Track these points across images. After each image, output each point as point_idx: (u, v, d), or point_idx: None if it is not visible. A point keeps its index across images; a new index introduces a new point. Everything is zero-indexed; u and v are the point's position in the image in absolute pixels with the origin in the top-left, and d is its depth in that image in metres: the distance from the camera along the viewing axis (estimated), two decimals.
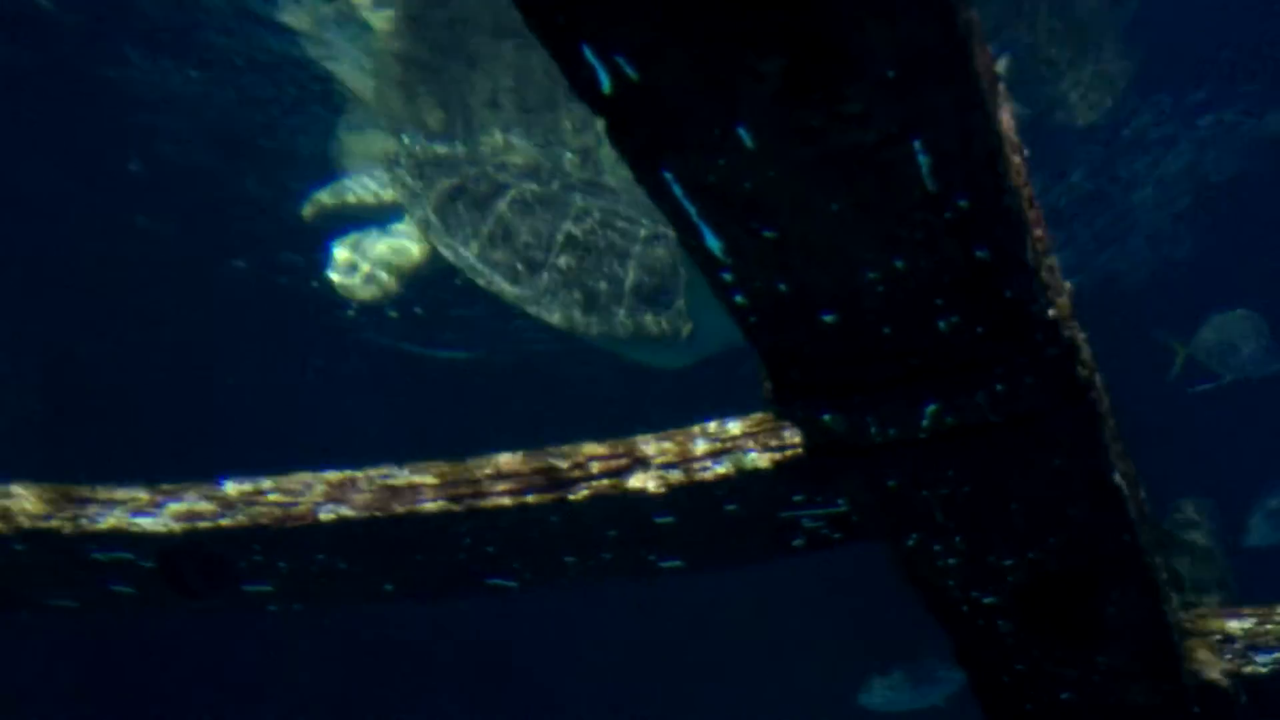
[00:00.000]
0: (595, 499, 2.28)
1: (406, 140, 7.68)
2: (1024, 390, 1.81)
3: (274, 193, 8.59)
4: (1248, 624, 3.21)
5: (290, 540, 2.13)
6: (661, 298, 6.80)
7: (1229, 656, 3.19)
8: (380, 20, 6.95)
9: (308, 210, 7.92)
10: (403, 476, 2.21)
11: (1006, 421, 1.86)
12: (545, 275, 6.96)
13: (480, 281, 7.15)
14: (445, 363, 10.10)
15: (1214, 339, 7.29)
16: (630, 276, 6.85)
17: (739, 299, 1.58)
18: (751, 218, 1.46)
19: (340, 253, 7.52)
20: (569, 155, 7.49)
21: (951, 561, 2.23)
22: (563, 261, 6.95)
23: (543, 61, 6.24)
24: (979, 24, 1.49)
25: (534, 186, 7.22)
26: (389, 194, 7.64)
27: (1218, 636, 3.24)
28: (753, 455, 2.29)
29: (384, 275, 7.44)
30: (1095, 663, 2.63)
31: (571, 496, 2.27)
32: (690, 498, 2.32)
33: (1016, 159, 1.77)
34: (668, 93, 1.28)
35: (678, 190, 1.40)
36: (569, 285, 6.91)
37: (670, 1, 1.18)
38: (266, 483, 2.17)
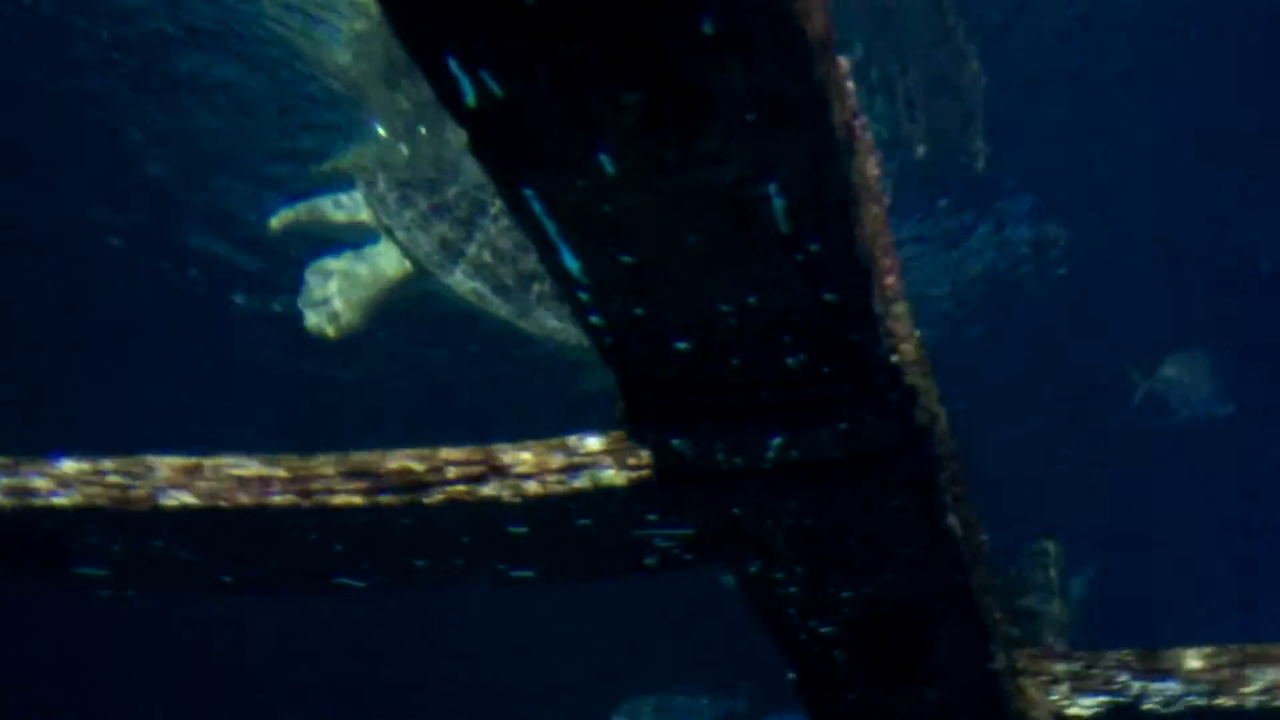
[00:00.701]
0: (449, 504, 2.27)
1: (380, 151, 7.45)
2: (866, 430, 1.88)
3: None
4: (1076, 667, 3.38)
5: (127, 524, 2.07)
6: None
7: (1055, 697, 3.35)
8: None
9: (275, 223, 7.62)
10: (252, 467, 2.17)
11: (848, 459, 1.93)
12: (534, 289, 6.88)
13: (472, 299, 7.05)
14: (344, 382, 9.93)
15: (1173, 376, 7.57)
16: None
17: (595, 319, 1.61)
18: (610, 242, 1.49)
19: (314, 287, 7.14)
20: None
21: (792, 590, 2.30)
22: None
23: None
24: (841, 77, 1.55)
25: None
26: (363, 214, 7.37)
27: (1047, 677, 3.40)
28: (609, 472, 2.31)
29: (354, 315, 7.09)
30: (925, 697, 2.73)
31: (426, 500, 2.26)
32: (545, 510, 2.33)
33: (874, 209, 1.85)
34: (531, 111, 1.30)
35: (538, 207, 1.42)
36: (560, 297, 6.84)
37: (535, 24, 1.21)
38: (108, 463, 2.11)
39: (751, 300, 1.61)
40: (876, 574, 2.28)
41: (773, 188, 1.46)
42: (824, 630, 2.43)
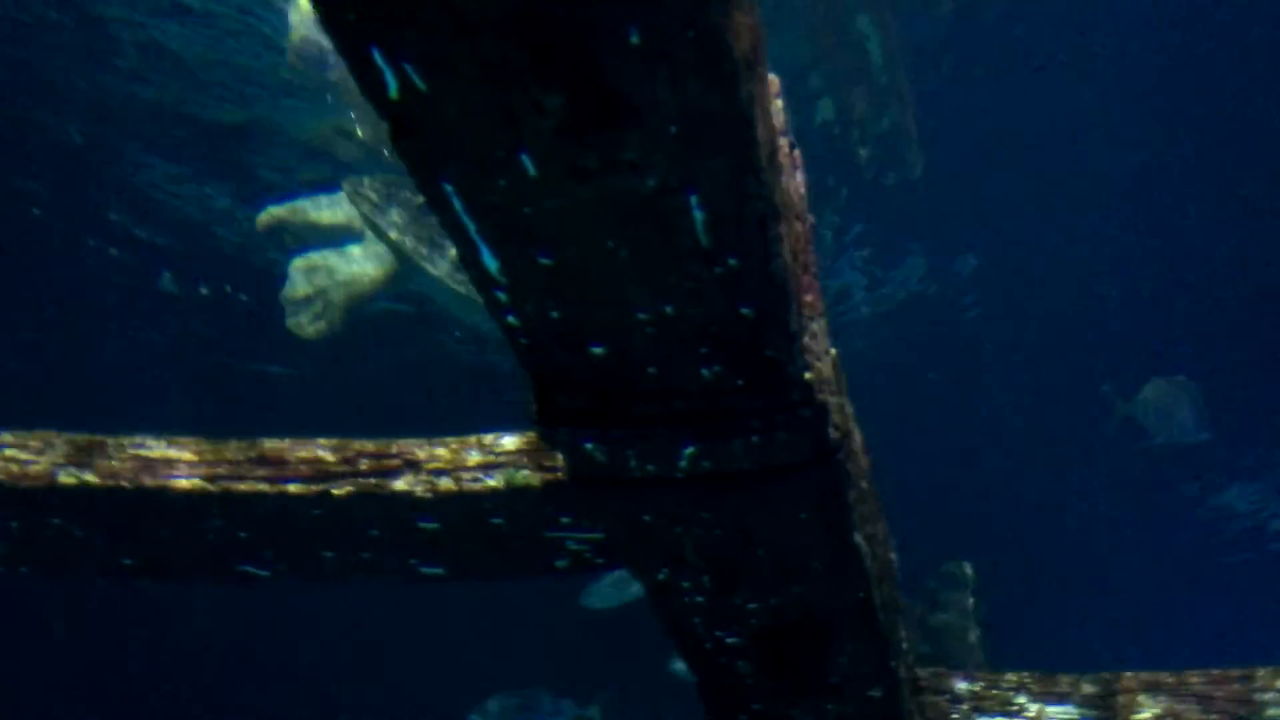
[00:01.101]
0: (359, 496, 2.25)
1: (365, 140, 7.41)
2: (777, 444, 1.90)
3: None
4: (977, 686, 3.45)
5: (22, 500, 2.02)
6: None
7: (955, 716, 3.43)
8: None
9: (262, 220, 7.68)
10: (158, 449, 2.13)
11: (759, 471, 1.95)
12: None
13: (461, 290, 7.06)
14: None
15: (1152, 401, 7.65)
16: None
17: (511, 319, 1.61)
18: (530, 243, 1.50)
19: (297, 284, 7.23)
20: None
21: (699, 599, 2.31)
22: None
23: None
24: (769, 95, 1.57)
25: None
26: (343, 215, 7.45)
27: (947, 695, 3.47)
28: (524, 472, 2.31)
29: (334, 315, 7.18)
30: (825, 709, 2.77)
31: (335, 491, 2.23)
32: (457, 507, 2.32)
33: (797, 226, 1.87)
34: (455, 108, 1.30)
35: (458, 204, 1.42)
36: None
37: (462, 21, 1.21)
38: (6, 436, 2.06)
39: (669, 310, 1.62)
40: (783, 586, 2.31)
41: (694, 200, 1.47)
42: (729, 640, 2.45)
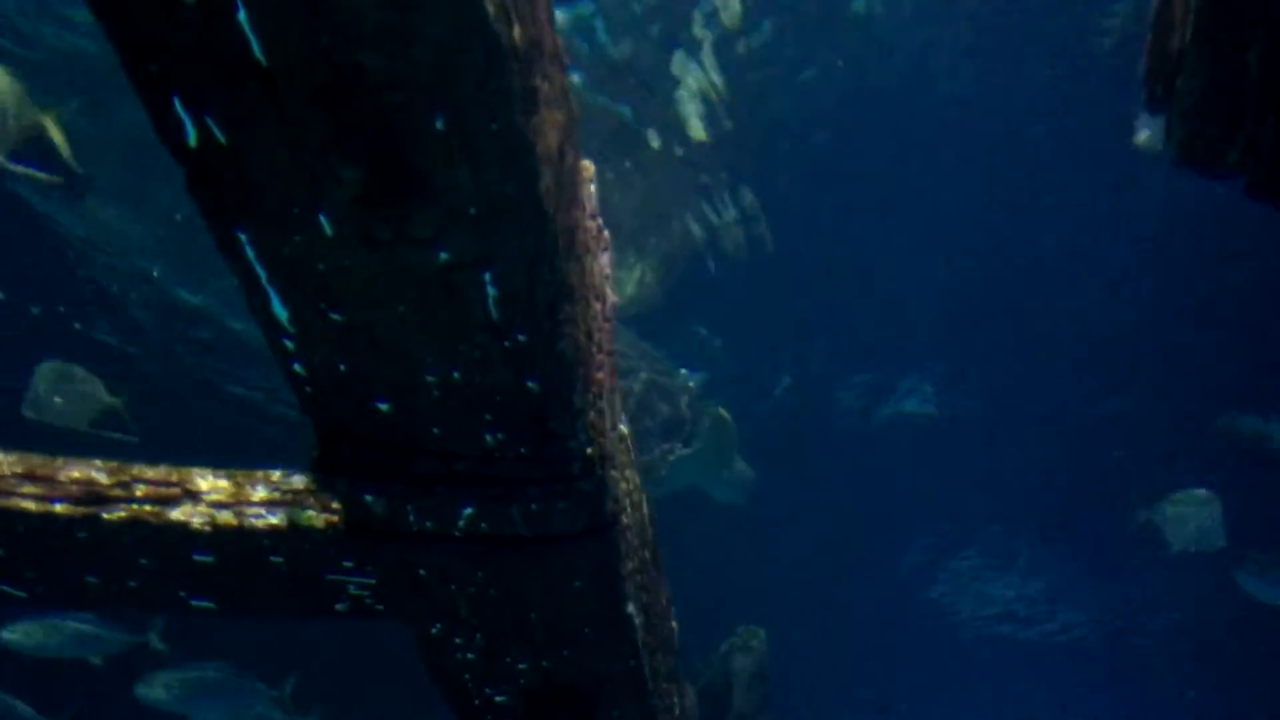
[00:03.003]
0: (132, 523, 2.19)
1: None
2: (555, 513, 1.97)
3: None
4: None
5: None
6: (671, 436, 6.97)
7: None
8: None
9: None
10: None
11: (536, 538, 2.01)
12: None
13: None
14: None
15: (1173, 513, 8.09)
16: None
17: (297, 367, 1.63)
18: (322, 298, 1.53)
19: None
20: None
21: (470, 656, 2.34)
22: None
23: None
24: (577, 184, 1.66)
25: None
26: None
27: None
28: (310, 513, 2.30)
29: None
30: None
31: (106, 515, 2.17)
32: (236, 542, 2.28)
33: (595, 306, 1.96)
34: (254, 163, 1.33)
35: (250, 253, 1.44)
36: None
37: (271, 85, 1.25)
38: None
39: (456, 376, 1.68)
40: (555, 650, 2.36)
41: (488, 277, 1.54)
42: (498, 699, 2.49)
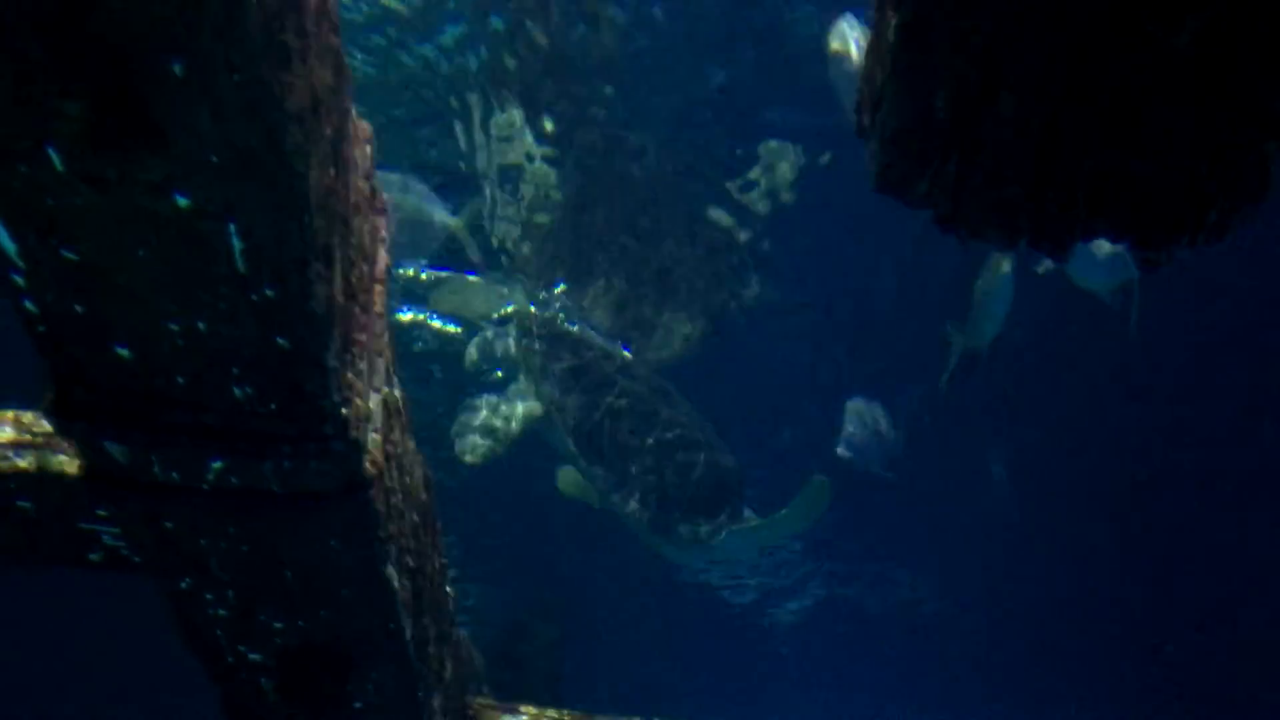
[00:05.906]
0: None
1: (538, 310, 7.64)
2: (309, 472, 1.98)
3: None
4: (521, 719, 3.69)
5: None
6: (708, 511, 7.04)
7: None
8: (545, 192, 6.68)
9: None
10: None
11: (289, 495, 2.01)
12: (633, 467, 7.11)
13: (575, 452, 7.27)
14: None
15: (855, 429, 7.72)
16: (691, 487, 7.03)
17: (29, 305, 1.59)
18: (53, 235, 1.49)
19: (478, 416, 7.57)
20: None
21: (222, 613, 2.32)
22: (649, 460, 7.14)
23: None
24: (327, 145, 1.67)
25: (632, 384, 7.35)
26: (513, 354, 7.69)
27: None
28: (62, 458, 2.23)
29: (496, 445, 7.54)
30: None
31: None
32: None
33: (362, 268, 1.97)
34: None
35: None
36: (644, 479, 7.09)
37: None
38: None
39: (201, 326, 1.66)
40: (311, 609, 2.36)
41: (233, 229, 1.54)
42: (253, 657, 2.47)
